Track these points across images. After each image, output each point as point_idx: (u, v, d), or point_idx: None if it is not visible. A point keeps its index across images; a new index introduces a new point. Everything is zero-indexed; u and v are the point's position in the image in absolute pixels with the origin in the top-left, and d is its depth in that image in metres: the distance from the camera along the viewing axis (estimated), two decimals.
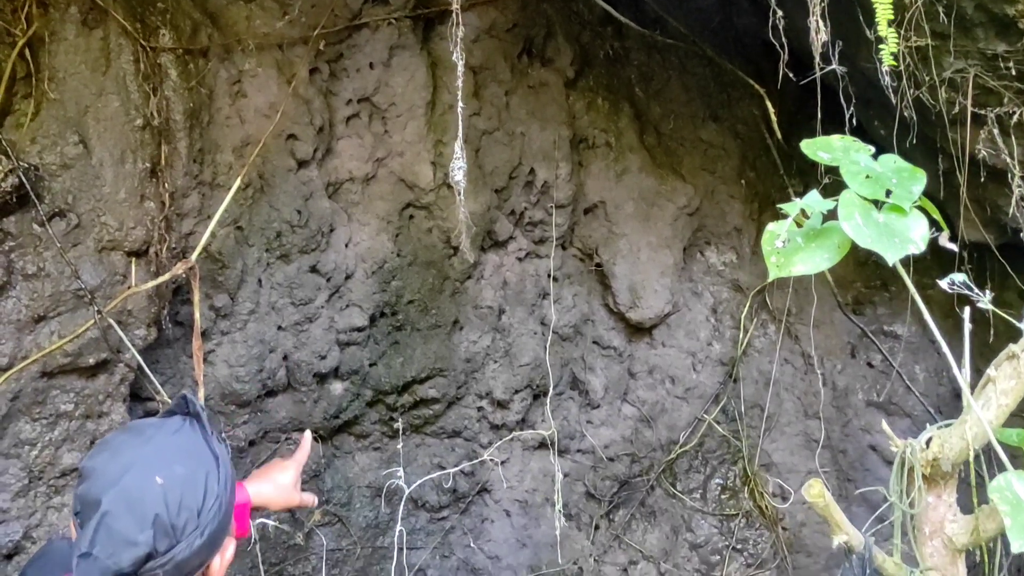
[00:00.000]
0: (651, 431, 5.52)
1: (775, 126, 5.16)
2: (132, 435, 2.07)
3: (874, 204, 2.04)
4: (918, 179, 2.08)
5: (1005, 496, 1.95)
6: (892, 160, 2.13)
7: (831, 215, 2.09)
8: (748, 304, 5.65)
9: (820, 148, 2.16)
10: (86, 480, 1.97)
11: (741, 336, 5.63)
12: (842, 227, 1.98)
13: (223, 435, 2.30)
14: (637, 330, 5.55)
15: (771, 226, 2.09)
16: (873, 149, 2.17)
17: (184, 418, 2.15)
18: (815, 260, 2.08)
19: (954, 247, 2.14)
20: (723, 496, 5.63)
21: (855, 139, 2.19)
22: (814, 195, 2.09)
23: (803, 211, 2.10)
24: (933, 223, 2.12)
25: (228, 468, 2.12)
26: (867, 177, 2.06)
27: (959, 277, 2.32)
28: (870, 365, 5.79)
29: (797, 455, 5.66)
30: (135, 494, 1.92)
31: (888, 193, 2.04)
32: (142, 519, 1.90)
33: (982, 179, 4.35)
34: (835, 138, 2.20)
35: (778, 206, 2.16)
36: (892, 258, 1.97)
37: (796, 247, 2.08)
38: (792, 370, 5.73)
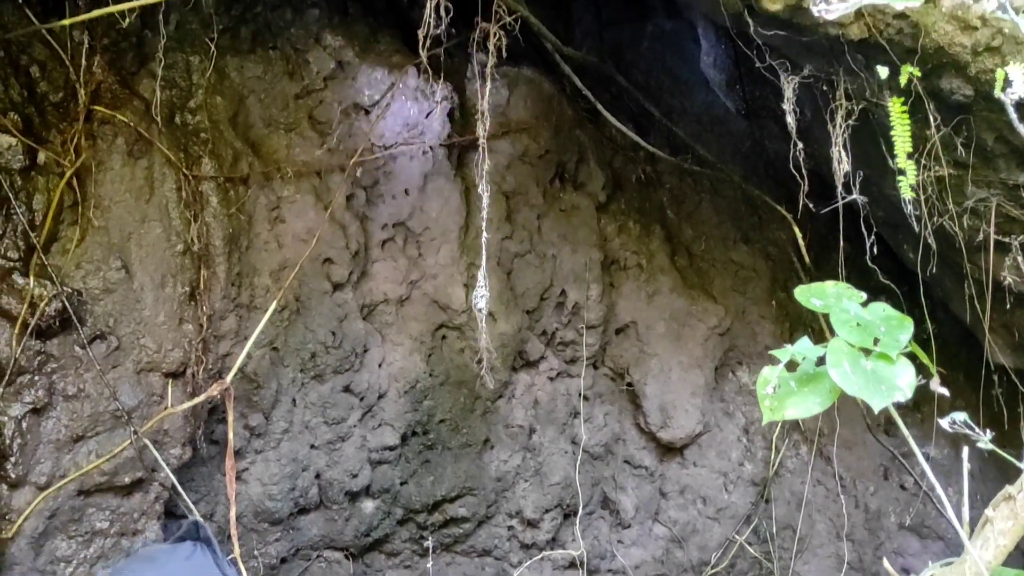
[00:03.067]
0: (682, 551, 5.50)
1: (803, 250, 5.23)
2: (144, 563, 2.15)
3: (864, 351, 2.11)
4: (905, 327, 2.14)
5: None
6: (881, 308, 2.20)
7: (824, 359, 2.15)
8: (780, 425, 5.65)
9: (814, 295, 2.24)
10: None
11: (773, 456, 5.62)
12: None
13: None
14: (668, 450, 5.57)
15: (765, 371, 2.16)
16: (864, 296, 2.25)
17: (195, 544, 2.22)
18: (807, 404, 2.14)
19: (945, 392, 2.19)
20: None
21: (848, 286, 2.27)
22: (805, 342, 2.16)
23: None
24: (922, 369, 2.18)
25: None
26: (857, 325, 2.14)
27: (960, 416, 2.36)
28: (903, 487, 5.76)
29: None
30: None
31: (876, 341, 2.11)
32: None
33: (1008, 305, 4.38)
34: (829, 284, 2.28)
35: (770, 352, 2.23)
36: (878, 406, 2.03)
37: (789, 391, 2.15)
38: (824, 491, 5.70)
